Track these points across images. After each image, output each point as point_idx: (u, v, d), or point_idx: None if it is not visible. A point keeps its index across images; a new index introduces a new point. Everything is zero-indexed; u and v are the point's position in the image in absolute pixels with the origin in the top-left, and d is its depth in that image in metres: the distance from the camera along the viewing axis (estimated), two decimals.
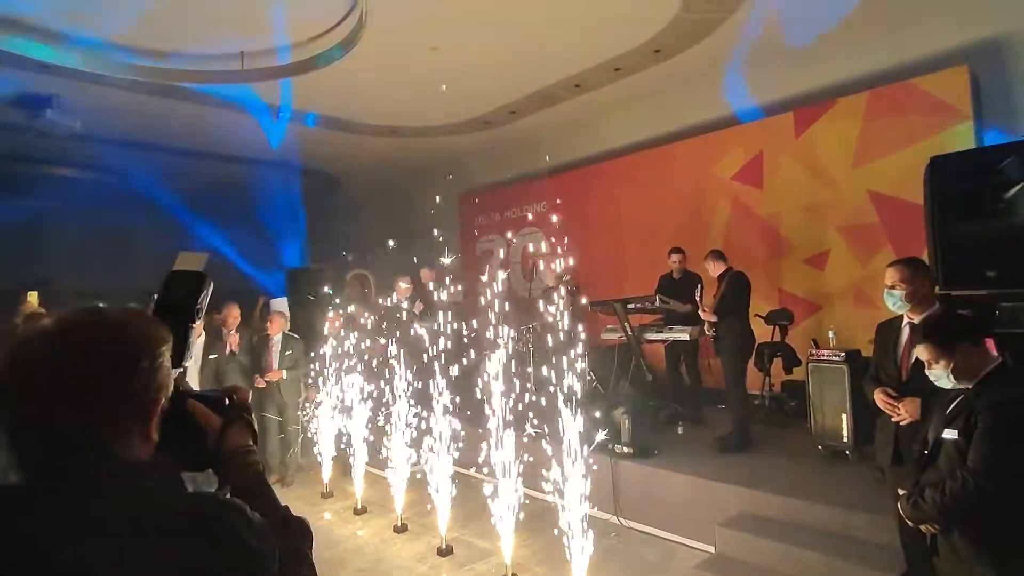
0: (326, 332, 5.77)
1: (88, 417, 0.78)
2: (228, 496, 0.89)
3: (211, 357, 5.45)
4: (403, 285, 6.79)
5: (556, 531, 3.42)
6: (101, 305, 0.90)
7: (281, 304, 6.36)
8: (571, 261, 5.05)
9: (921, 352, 2.25)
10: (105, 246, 9.74)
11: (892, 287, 2.76)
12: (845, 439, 4.37)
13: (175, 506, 0.78)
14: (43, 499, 0.73)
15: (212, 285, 1.11)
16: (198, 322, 1.07)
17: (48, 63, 5.74)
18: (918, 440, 2.42)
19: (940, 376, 2.19)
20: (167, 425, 0.87)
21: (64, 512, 0.72)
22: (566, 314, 3.89)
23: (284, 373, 5.67)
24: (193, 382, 5.16)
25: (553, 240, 5.30)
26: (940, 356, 2.16)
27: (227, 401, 1.05)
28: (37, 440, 0.77)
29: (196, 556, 0.73)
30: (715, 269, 5.12)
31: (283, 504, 1.00)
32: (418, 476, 4.46)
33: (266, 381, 5.65)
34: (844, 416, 4.37)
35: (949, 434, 2.11)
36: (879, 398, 2.76)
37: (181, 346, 0.95)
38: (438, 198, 7.08)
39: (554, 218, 6.06)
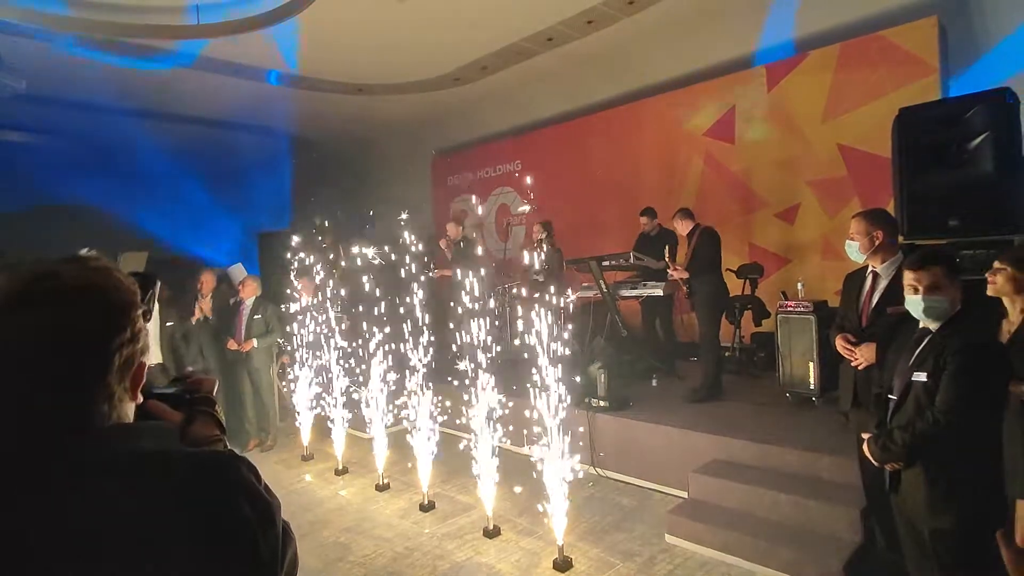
0: (301, 297, 5.68)
1: (78, 384, 0.75)
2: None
3: (168, 325, 5.37)
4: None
5: (535, 480, 3.51)
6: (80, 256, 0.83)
7: (237, 270, 6.19)
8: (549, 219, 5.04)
9: (924, 277, 2.19)
10: (56, 214, 9.30)
11: (851, 237, 2.87)
12: (812, 386, 4.53)
13: (188, 459, 0.75)
14: (48, 466, 0.70)
15: (159, 284, 1.06)
16: (148, 322, 1.03)
17: None
18: (878, 383, 2.51)
19: (941, 304, 2.15)
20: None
21: (75, 473, 0.70)
22: (549, 269, 3.88)
23: (255, 342, 5.59)
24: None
25: (531, 196, 5.27)
26: (944, 283, 2.15)
27: (188, 396, 1.01)
28: (24, 408, 0.73)
29: (215, 504, 0.72)
30: (683, 228, 5.17)
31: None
32: (405, 432, 4.50)
33: (236, 347, 5.58)
34: (811, 364, 4.52)
35: (918, 376, 2.17)
36: (839, 343, 2.89)
37: None
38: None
39: (528, 179, 5.96)
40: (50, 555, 0.66)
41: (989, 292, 2.46)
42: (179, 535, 0.69)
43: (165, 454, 0.76)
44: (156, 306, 1.05)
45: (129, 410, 0.81)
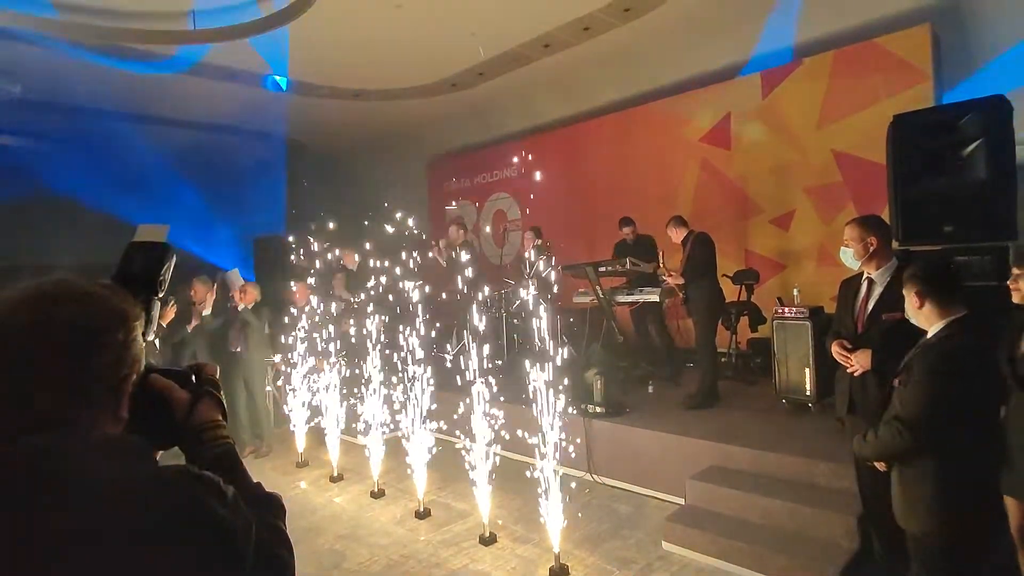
0: (295, 302, 5.67)
1: (56, 392, 0.76)
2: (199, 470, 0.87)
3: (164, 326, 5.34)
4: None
5: (531, 486, 3.49)
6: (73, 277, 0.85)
7: (234, 276, 6.18)
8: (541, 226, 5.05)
9: (906, 293, 2.24)
10: (47, 217, 9.23)
11: (845, 244, 2.88)
12: (808, 392, 4.52)
13: (143, 479, 0.75)
14: (8, 475, 0.70)
15: (175, 256, 1.06)
16: (161, 294, 1.03)
17: None
18: (874, 388, 2.51)
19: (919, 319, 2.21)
20: (131, 401, 0.85)
21: (31, 488, 0.69)
22: (543, 276, 3.88)
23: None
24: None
25: (531, 198, 5.28)
26: (924, 300, 2.17)
27: (194, 377, 1.01)
28: (2, 416, 0.74)
29: (165, 528, 0.71)
30: (677, 235, 5.18)
31: (256, 481, 0.98)
32: (399, 437, 4.47)
33: (236, 349, 5.53)
34: (807, 371, 4.52)
35: (896, 381, 2.21)
36: (835, 350, 2.89)
37: (145, 320, 0.91)
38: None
39: (534, 186, 5.94)
40: (22, 560, 0.66)
41: (1015, 300, 2.45)
42: (149, 541, 0.69)
43: (136, 468, 0.76)
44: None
45: (110, 419, 0.81)
